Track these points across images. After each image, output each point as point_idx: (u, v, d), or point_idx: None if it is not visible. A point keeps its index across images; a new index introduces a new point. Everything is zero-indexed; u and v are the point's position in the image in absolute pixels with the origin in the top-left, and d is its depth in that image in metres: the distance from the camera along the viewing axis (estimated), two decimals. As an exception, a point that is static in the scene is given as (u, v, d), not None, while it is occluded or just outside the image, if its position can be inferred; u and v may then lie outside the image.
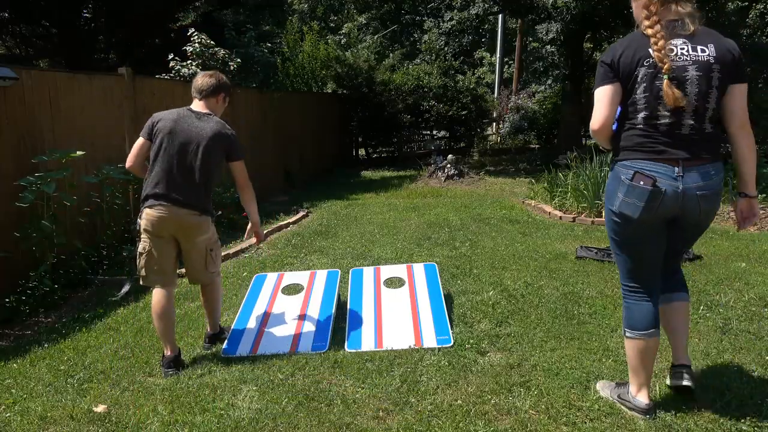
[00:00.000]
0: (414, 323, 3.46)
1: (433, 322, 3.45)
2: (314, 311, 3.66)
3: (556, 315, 3.65)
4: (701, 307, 3.69)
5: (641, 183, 2.24)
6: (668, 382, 2.59)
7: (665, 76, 2.17)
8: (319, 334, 3.40)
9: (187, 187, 3.03)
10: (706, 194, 2.25)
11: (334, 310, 3.64)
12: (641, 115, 2.27)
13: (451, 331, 3.35)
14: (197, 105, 3.17)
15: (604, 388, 2.66)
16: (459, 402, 2.63)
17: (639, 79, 2.23)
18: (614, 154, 2.40)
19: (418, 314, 3.55)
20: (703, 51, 2.21)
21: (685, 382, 2.47)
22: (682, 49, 2.22)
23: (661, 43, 2.19)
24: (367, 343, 3.29)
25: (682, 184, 2.23)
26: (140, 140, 3.14)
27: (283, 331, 3.48)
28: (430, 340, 3.27)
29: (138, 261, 3.13)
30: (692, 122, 2.22)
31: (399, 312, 3.60)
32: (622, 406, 2.50)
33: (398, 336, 3.35)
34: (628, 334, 2.43)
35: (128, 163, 3.17)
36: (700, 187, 2.24)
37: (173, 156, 3.02)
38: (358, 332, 3.42)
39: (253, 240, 3.58)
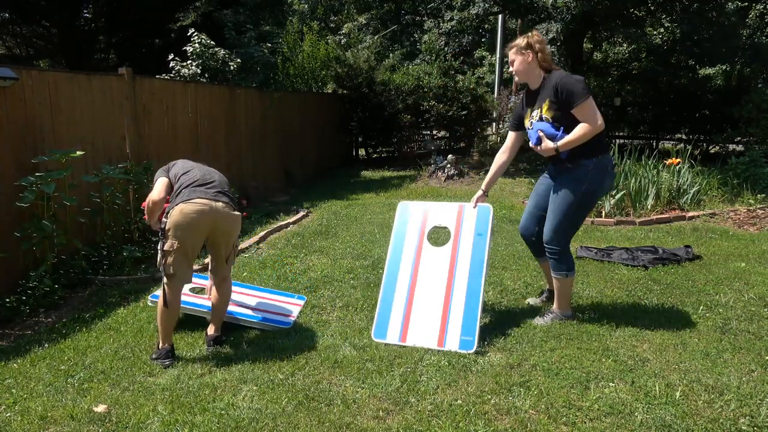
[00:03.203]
0: (443, 314, 3.30)
1: (463, 316, 3.27)
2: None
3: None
4: (701, 307, 3.70)
5: (614, 170, 3.43)
6: (540, 298, 3.91)
7: None
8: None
9: (224, 189, 3.30)
10: None
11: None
12: None
13: (477, 333, 3.19)
14: None
15: (539, 320, 3.53)
16: (459, 402, 2.63)
17: None
18: (592, 152, 3.25)
19: (450, 301, 3.35)
20: None
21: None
22: None
23: None
24: (393, 335, 3.27)
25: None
26: (163, 179, 3.33)
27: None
28: (453, 341, 3.17)
29: (166, 259, 3.11)
30: None
31: (432, 297, 3.42)
32: (561, 321, 3.48)
33: (423, 330, 3.26)
34: (571, 275, 3.45)
35: (154, 197, 3.25)
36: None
37: (202, 168, 3.39)
38: (385, 320, 3.38)
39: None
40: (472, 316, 3.27)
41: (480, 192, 3.69)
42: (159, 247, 3.16)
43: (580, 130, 3.15)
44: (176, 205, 3.11)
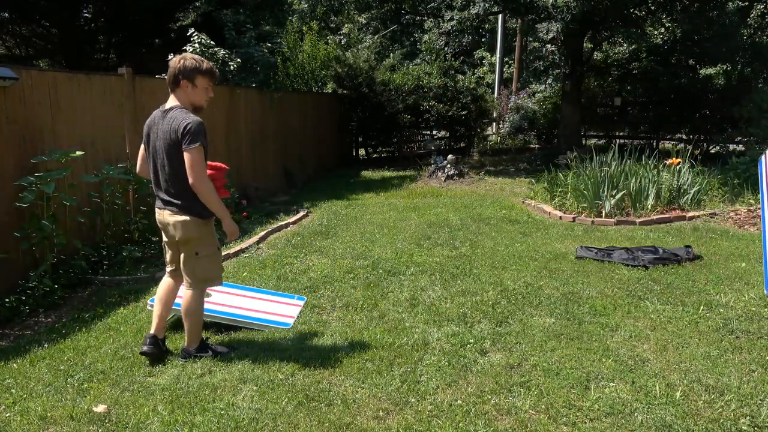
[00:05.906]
0: None
1: None
2: None
3: (556, 315, 3.65)
4: (701, 307, 3.69)
5: None
6: None
7: None
8: None
9: (166, 187, 3.01)
10: None
11: None
12: None
13: None
14: (169, 99, 3.05)
15: None
16: (459, 402, 2.63)
17: None
18: None
19: None
20: None
21: None
22: None
23: None
24: None
25: None
26: (141, 147, 3.23)
27: None
28: None
29: None
30: None
31: None
32: None
33: None
34: None
35: (137, 170, 3.29)
36: None
37: (151, 159, 3.08)
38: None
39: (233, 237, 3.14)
40: None
41: None
42: None
43: None
44: None
